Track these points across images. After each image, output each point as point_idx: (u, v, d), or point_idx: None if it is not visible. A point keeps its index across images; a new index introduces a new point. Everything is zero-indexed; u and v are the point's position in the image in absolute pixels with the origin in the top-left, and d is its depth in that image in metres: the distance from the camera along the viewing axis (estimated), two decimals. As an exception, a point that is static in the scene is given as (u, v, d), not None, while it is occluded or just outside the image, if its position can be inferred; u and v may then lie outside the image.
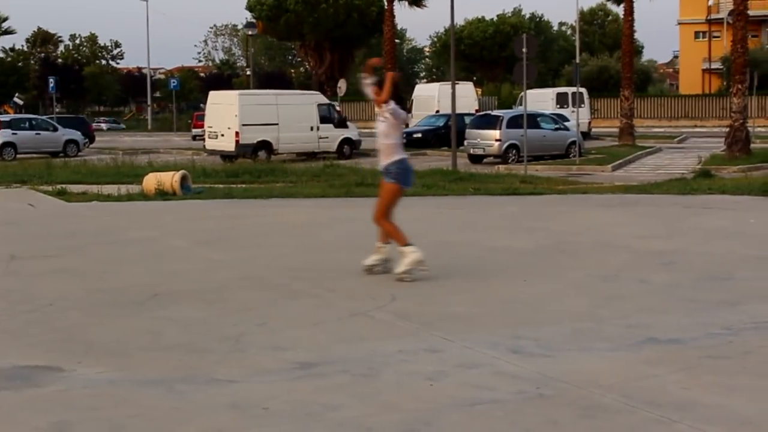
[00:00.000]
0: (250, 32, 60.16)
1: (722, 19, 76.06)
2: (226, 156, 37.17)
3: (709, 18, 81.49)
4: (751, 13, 37.80)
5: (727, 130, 35.71)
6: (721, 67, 71.69)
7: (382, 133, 10.18)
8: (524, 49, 29.15)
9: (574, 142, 37.08)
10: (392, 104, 10.14)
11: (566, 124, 39.86)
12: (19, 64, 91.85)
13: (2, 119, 46.92)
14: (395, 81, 10.12)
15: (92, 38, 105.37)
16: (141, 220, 16.33)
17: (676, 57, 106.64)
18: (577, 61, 54.49)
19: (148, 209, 17.98)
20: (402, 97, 10.53)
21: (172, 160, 31.71)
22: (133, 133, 72.24)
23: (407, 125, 29.07)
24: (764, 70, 61.29)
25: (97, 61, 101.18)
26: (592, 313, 8.48)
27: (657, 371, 6.61)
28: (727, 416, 5.67)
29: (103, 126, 79.35)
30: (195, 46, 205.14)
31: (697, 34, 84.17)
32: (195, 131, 58.27)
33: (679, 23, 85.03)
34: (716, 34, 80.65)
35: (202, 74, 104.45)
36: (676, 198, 18.60)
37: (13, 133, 43.87)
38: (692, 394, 6.08)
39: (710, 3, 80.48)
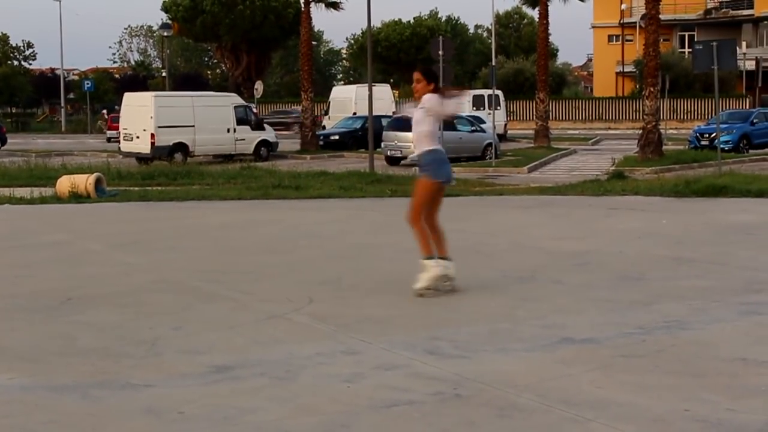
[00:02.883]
0: (165, 33, 59.62)
1: (635, 23, 77.16)
2: (141, 158, 36.86)
3: (622, 22, 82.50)
4: (662, 17, 38.37)
5: (640, 132, 36.21)
6: (634, 70, 72.70)
7: (417, 121, 9.55)
8: (440, 52, 29.31)
9: (490, 144, 37.36)
10: (436, 96, 9.53)
11: (482, 126, 40.15)
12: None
13: None
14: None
15: (3, 38, 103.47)
16: (54, 223, 16.11)
17: (590, 60, 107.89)
18: (493, 63, 54.91)
19: (61, 212, 17.74)
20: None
21: (87, 163, 31.28)
22: (46, 135, 71.14)
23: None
24: (676, 73, 62.40)
25: (9, 62, 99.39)
26: (508, 313, 8.55)
27: (572, 371, 6.68)
28: (640, 414, 5.75)
29: None
30: (110, 47, 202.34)
31: (610, 38, 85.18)
32: (110, 133, 57.62)
33: (593, 27, 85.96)
34: (629, 37, 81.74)
35: (117, 75, 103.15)
36: (590, 199, 18.83)
37: None
38: (606, 393, 6.15)
39: (623, 7, 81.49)
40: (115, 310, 8.92)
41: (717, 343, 7.38)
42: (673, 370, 6.69)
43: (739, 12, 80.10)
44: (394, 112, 48.94)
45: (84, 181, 20.05)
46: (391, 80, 79.77)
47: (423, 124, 9.49)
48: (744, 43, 71.00)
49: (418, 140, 9.60)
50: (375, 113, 34.63)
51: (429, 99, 9.43)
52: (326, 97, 57.85)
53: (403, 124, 37.34)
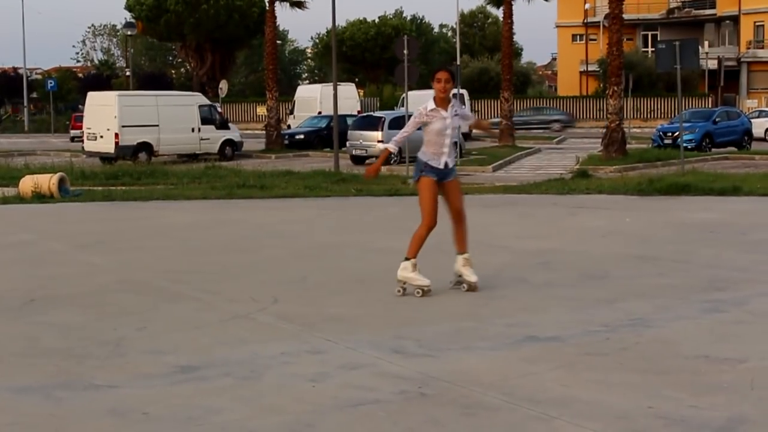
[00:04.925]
0: (129, 32, 59.24)
1: (598, 22, 77.46)
2: (105, 158, 36.68)
3: (585, 21, 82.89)
4: (626, 17, 38.58)
5: (604, 131, 36.40)
6: (598, 69, 72.99)
7: (454, 127, 9.53)
8: (405, 51, 29.35)
9: (455, 143, 37.41)
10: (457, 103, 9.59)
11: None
12: None
13: None
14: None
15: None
16: (17, 223, 16.00)
17: (554, 59, 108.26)
18: (458, 63, 54.93)
19: (24, 212, 17.62)
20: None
21: (50, 162, 31.08)
22: (9, 134, 70.60)
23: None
24: (639, 72, 62.75)
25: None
26: (472, 312, 8.57)
27: (536, 369, 6.71)
28: (604, 411, 5.78)
29: None
30: (73, 46, 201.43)
31: (574, 37, 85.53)
32: (73, 133, 57.27)
33: (557, 26, 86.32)
34: (593, 37, 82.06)
35: (80, 75, 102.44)
36: (554, 198, 18.90)
37: None
38: (571, 391, 6.18)
39: (587, 7, 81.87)
40: (78, 310, 8.87)
41: (680, 341, 7.44)
42: (636, 367, 6.73)
43: (702, 12, 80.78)
44: (359, 111, 49.03)
45: (47, 181, 19.92)
46: (357, 79, 79.77)
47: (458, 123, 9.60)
48: (706, 43, 71.58)
49: (451, 147, 9.52)
50: (340, 112, 34.65)
51: (460, 106, 9.60)
52: (291, 96, 57.79)
53: (368, 123, 37.44)
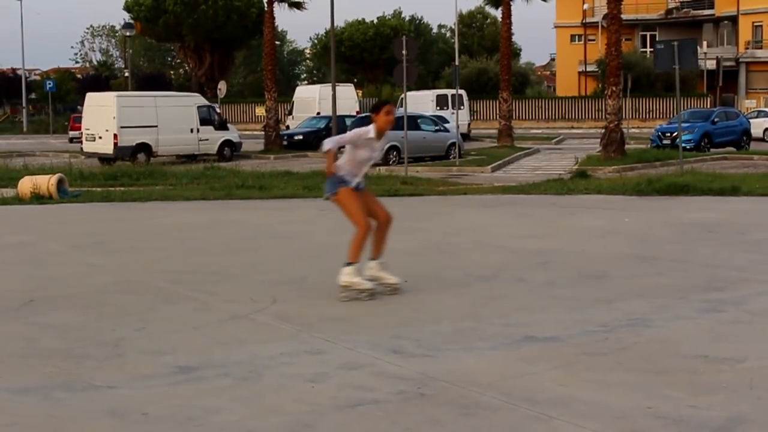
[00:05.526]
0: (128, 33, 59.28)
1: (597, 22, 77.50)
2: (104, 159, 36.66)
3: (584, 22, 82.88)
4: (624, 17, 38.59)
5: (603, 131, 36.39)
6: (597, 69, 73.03)
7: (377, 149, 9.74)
8: (404, 51, 29.33)
9: (454, 144, 37.43)
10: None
11: (446, 125, 40.26)
12: None
13: None
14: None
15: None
16: (16, 224, 16.00)
17: (552, 59, 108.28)
18: (457, 63, 54.91)
19: (23, 213, 17.61)
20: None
21: (49, 163, 31.07)
22: (7, 135, 70.57)
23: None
24: (638, 72, 62.72)
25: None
26: (471, 312, 8.57)
27: (535, 369, 6.71)
28: (603, 411, 5.78)
29: None
30: (72, 47, 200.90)
31: (572, 37, 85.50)
32: (72, 133, 57.26)
33: (556, 26, 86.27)
34: (591, 37, 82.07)
35: (79, 76, 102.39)
36: (553, 198, 18.90)
37: None
38: (569, 391, 6.18)
39: (585, 7, 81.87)
40: (77, 311, 8.87)
41: (679, 341, 7.44)
42: (635, 367, 6.73)
43: (700, 12, 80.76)
44: (357, 112, 49.02)
45: (46, 182, 19.92)
46: (355, 80, 79.81)
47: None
48: (705, 43, 71.52)
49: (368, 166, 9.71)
50: (339, 113, 34.67)
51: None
52: (290, 96, 57.76)
53: (366, 124, 37.39)
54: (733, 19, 78.22)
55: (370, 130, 9.57)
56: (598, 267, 10.79)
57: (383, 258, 9.74)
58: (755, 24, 76.59)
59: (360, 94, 63.60)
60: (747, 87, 76.10)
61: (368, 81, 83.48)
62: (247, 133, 55.23)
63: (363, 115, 44.37)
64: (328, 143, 9.59)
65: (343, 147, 9.68)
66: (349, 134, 9.93)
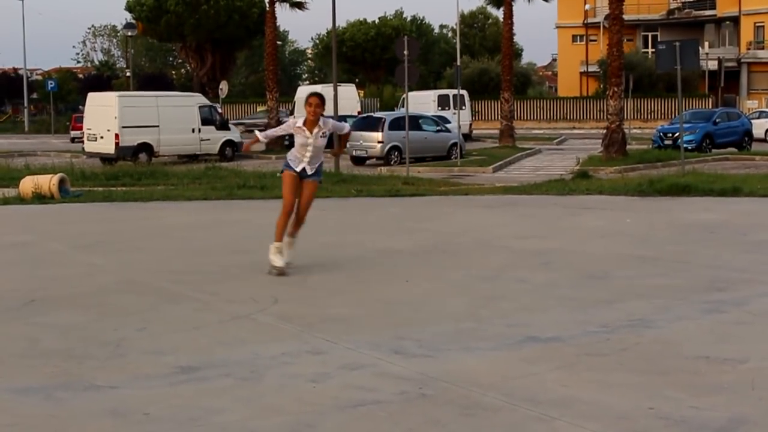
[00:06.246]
0: (129, 33, 59.24)
1: (599, 23, 77.42)
2: (105, 158, 36.68)
3: (586, 22, 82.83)
4: (626, 17, 38.54)
5: (604, 131, 36.39)
6: (598, 70, 72.96)
7: (321, 141, 11.00)
8: (406, 52, 29.35)
9: (455, 144, 37.45)
10: (330, 120, 11.28)
11: (448, 125, 40.24)
12: None
13: None
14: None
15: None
16: (17, 224, 16.00)
17: (554, 60, 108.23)
18: (458, 63, 54.88)
19: (25, 213, 17.61)
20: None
21: (50, 163, 31.07)
22: (9, 135, 70.56)
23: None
24: (639, 73, 62.71)
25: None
26: (472, 312, 8.57)
27: (536, 369, 6.71)
28: (605, 412, 5.78)
29: None
30: (73, 47, 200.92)
31: (574, 38, 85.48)
32: (74, 133, 57.26)
33: (557, 27, 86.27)
34: (593, 37, 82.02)
35: (80, 75, 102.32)
36: (554, 198, 18.90)
37: None
38: (571, 391, 6.18)
39: (587, 7, 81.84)
40: (78, 311, 8.86)
41: (680, 341, 7.44)
42: (637, 368, 6.73)
43: (702, 12, 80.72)
44: (359, 112, 49.00)
45: (47, 182, 19.91)
46: (357, 80, 79.74)
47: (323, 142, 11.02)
48: (706, 43, 71.57)
49: (318, 156, 11.09)
50: (340, 113, 34.62)
51: (328, 122, 11.13)
52: (291, 96, 57.73)
53: (368, 124, 37.42)
54: (735, 20, 78.17)
55: (299, 120, 11.06)
56: (600, 267, 10.79)
57: (294, 239, 11.05)
58: (757, 24, 76.56)
59: (361, 95, 63.52)
60: (749, 88, 76.07)
61: (370, 81, 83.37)
62: (248, 133, 55.17)
63: (364, 115, 44.38)
64: (260, 134, 11.47)
65: (282, 137, 11.21)
66: (282, 126, 11.84)
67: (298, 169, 10.94)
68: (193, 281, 10.29)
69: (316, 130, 10.89)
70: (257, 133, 11.47)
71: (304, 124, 10.90)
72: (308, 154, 10.94)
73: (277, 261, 10.64)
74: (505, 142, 47.32)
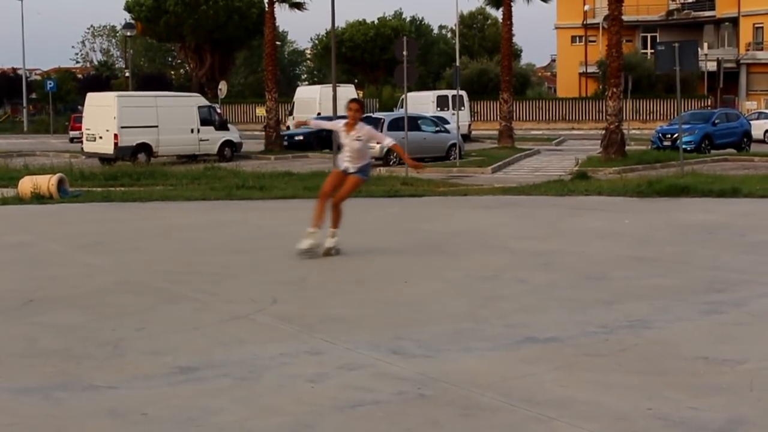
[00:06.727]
0: (128, 33, 59.21)
1: (598, 24, 77.44)
2: (104, 159, 36.67)
3: (585, 23, 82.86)
4: (625, 18, 38.54)
5: (603, 132, 36.38)
6: (597, 71, 72.99)
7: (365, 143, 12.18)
8: (405, 52, 29.34)
9: (454, 145, 37.44)
10: (366, 127, 12.29)
11: (447, 126, 40.25)
12: None
13: None
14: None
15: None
16: (16, 224, 16.00)
17: (553, 61, 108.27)
18: (457, 64, 54.87)
19: (23, 213, 17.61)
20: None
21: (49, 163, 31.07)
22: (8, 135, 70.54)
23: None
24: (638, 74, 62.70)
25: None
26: (472, 313, 8.57)
27: (535, 370, 6.71)
28: (603, 413, 5.78)
29: None
30: (72, 47, 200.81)
31: (573, 39, 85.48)
32: (72, 134, 57.25)
33: (557, 27, 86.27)
34: (592, 38, 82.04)
35: (79, 76, 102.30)
36: (553, 199, 18.89)
37: None
38: (569, 392, 6.18)
39: (586, 8, 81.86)
40: (77, 311, 8.87)
41: (679, 342, 7.44)
42: (635, 368, 6.73)
43: (701, 13, 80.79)
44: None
45: (46, 182, 19.92)
46: (356, 81, 79.76)
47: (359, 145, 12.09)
48: (705, 44, 71.53)
49: (360, 157, 12.16)
50: (339, 114, 34.53)
51: (364, 128, 12.17)
52: (290, 97, 57.79)
53: (367, 124, 37.38)
54: (734, 21, 78.23)
55: (340, 123, 12.28)
56: (599, 268, 10.79)
57: (334, 230, 12.10)
58: (756, 26, 76.59)
59: (361, 95, 63.53)
60: (747, 89, 76.10)
61: (369, 82, 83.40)
62: (247, 133, 55.20)
63: (363, 115, 44.36)
64: (311, 120, 13.66)
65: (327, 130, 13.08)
66: (332, 122, 13.03)
67: (341, 168, 12.19)
68: (191, 281, 10.29)
69: (353, 133, 12.01)
70: (310, 118, 13.01)
71: (345, 126, 12.08)
72: (346, 154, 12.11)
73: (302, 244, 11.73)
74: (504, 143, 47.31)
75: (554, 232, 13.95)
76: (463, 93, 47.78)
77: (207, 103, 42.97)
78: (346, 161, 12.16)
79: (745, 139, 42.98)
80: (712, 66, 68.66)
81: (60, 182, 20.22)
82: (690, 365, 6.81)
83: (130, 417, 5.83)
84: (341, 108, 38.14)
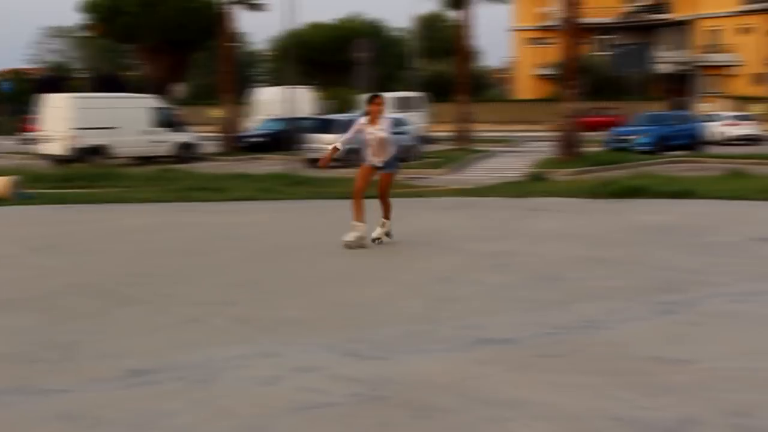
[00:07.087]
0: (84, 34, 58.82)
1: (554, 26, 77.86)
2: (59, 160, 36.37)
3: (541, 25, 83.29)
4: (581, 20, 38.79)
5: (560, 134, 36.56)
6: (554, 72, 73.40)
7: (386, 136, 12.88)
8: (363, 54, 29.37)
9: (412, 146, 37.46)
10: (387, 120, 12.99)
11: (404, 128, 40.25)
12: None
13: None
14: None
15: None
16: (-31, 226, 15.84)
17: (510, 63, 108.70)
18: (416, 66, 54.99)
19: (-24, 215, 17.43)
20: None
21: (2, 165, 30.78)
22: (-39, 137, 69.83)
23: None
24: (594, 76, 63.08)
25: None
26: (426, 314, 8.58)
27: (490, 371, 6.73)
28: (557, 413, 5.81)
29: None
30: (26, 48, 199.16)
31: (530, 41, 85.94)
32: (26, 135, 56.73)
33: (513, 29, 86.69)
34: (549, 40, 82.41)
35: (34, 77, 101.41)
36: (509, 201, 18.95)
37: None
38: (524, 393, 6.21)
39: (542, 10, 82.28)
40: (29, 314, 8.79)
41: (632, 342, 7.49)
42: (589, 369, 6.77)
43: (657, 16, 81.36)
44: (315, 114, 48.89)
45: (1, 184, 19.73)
46: (315, 82, 79.66)
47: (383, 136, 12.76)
48: (662, 47, 72.09)
49: (385, 149, 12.92)
50: (297, 115, 34.55)
51: (386, 120, 12.93)
52: (248, 99, 57.57)
53: (324, 126, 37.35)
54: (690, 24, 78.89)
55: (362, 118, 12.90)
56: (554, 269, 10.84)
57: (387, 221, 13.19)
58: (711, 29, 77.29)
59: (319, 97, 63.44)
60: (702, 91, 76.75)
61: (327, 83, 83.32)
62: (204, 135, 54.94)
63: (321, 117, 44.27)
64: (338, 144, 13.11)
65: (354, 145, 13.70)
66: (352, 128, 13.09)
67: (370, 163, 12.99)
68: (146, 284, 10.24)
69: (377, 126, 12.73)
70: (337, 144, 13.08)
71: (368, 121, 12.76)
72: (371, 149, 12.83)
73: (347, 236, 12.59)
74: (461, 144, 47.44)
75: (509, 234, 14.01)
76: (420, 94, 47.82)
77: (163, 104, 42.78)
78: (370, 155, 12.91)
79: (699, 141, 43.32)
80: (667, 68, 69.24)
81: (14, 184, 20.05)
82: (643, 365, 6.85)
83: (82, 421, 5.79)
84: (300, 110, 38.24)
